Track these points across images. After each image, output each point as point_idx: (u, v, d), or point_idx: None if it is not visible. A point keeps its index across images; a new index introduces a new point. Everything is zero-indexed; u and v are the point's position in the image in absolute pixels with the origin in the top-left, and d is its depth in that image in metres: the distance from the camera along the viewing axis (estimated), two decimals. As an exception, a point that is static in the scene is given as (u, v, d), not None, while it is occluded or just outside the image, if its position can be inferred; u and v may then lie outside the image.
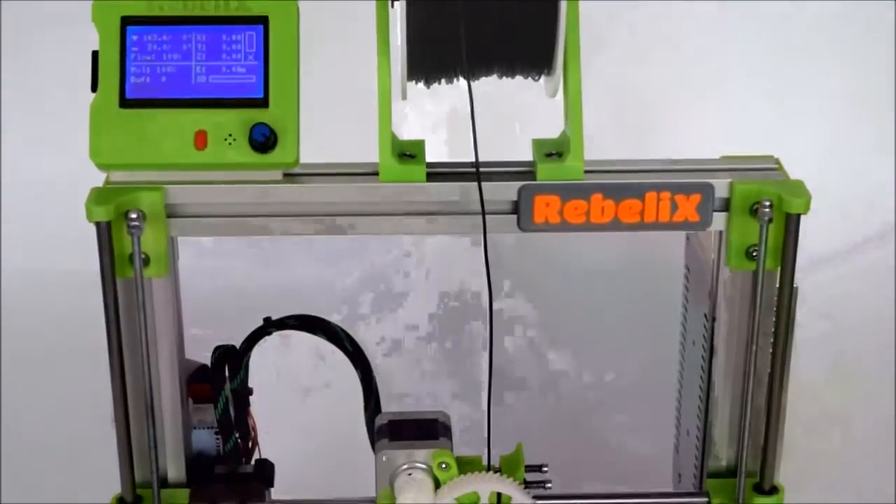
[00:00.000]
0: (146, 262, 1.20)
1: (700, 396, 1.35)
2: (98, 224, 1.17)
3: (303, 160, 1.20)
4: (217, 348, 1.32)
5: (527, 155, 1.23)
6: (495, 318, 1.24)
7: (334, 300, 2.05)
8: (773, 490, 1.30)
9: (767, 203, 1.19)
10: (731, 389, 1.30)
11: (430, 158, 1.22)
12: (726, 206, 1.22)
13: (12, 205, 2.15)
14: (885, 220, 2.17)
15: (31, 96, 2.18)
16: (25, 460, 1.87)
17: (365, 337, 1.38)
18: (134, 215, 1.17)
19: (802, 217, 1.20)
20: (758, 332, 1.24)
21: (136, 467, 1.27)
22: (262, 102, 1.18)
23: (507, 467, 1.26)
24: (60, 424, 1.92)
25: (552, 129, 1.24)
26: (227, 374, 1.33)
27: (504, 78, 1.22)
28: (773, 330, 1.26)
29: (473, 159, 1.18)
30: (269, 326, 1.33)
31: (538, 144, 1.23)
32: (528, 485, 1.25)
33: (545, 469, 1.28)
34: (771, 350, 1.26)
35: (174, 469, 1.30)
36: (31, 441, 1.90)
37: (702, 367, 1.34)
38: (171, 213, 1.20)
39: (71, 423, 1.91)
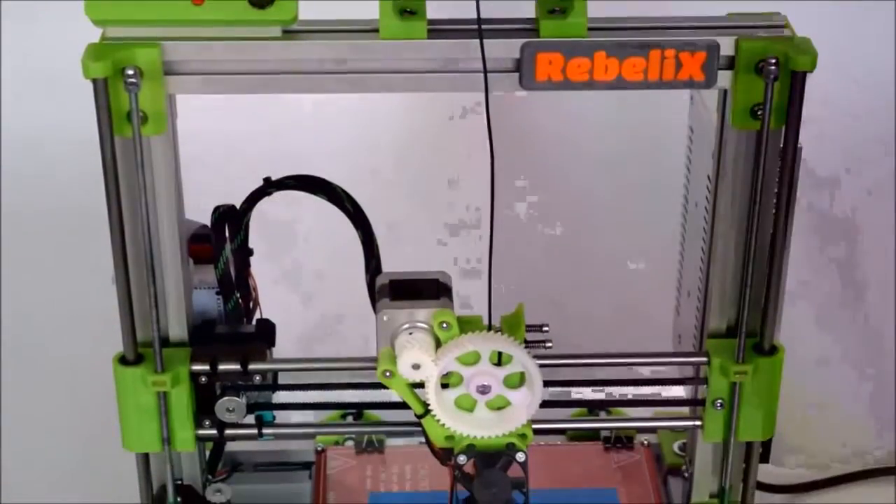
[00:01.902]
0: (144, 119, 1.19)
1: (701, 258, 1.35)
2: (95, 81, 1.16)
3: (301, 17, 1.18)
4: (217, 208, 1.32)
5: (530, 12, 1.21)
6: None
7: (334, 161, 2.03)
8: (773, 350, 1.30)
9: (773, 61, 1.17)
10: (733, 250, 1.30)
11: (430, 15, 1.20)
12: (731, 64, 1.20)
13: (11, 70, 2.13)
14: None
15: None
16: (26, 325, 1.87)
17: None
18: (131, 72, 1.15)
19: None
20: (761, 192, 1.24)
21: (138, 326, 1.27)
22: (261, -44, 1.16)
23: (507, 327, 1.26)
24: (61, 289, 1.93)
25: (555, -16, 1.22)
26: (227, 234, 1.33)
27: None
28: (775, 190, 1.25)
29: (475, 16, 1.16)
30: (269, 187, 1.32)
31: (541, 1, 1.21)
32: (528, 344, 1.25)
33: (546, 329, 1.28)
34: (773, 210, 1.25)
35: (175, 328, 1.31)
36: (33, 303, 1.91)
37: (704, 229, 1.34)
38: (169, 70, 1.19)
39: (72, 286, 1.92)
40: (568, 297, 1.91)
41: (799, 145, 1.23)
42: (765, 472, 1.44)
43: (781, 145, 1.22)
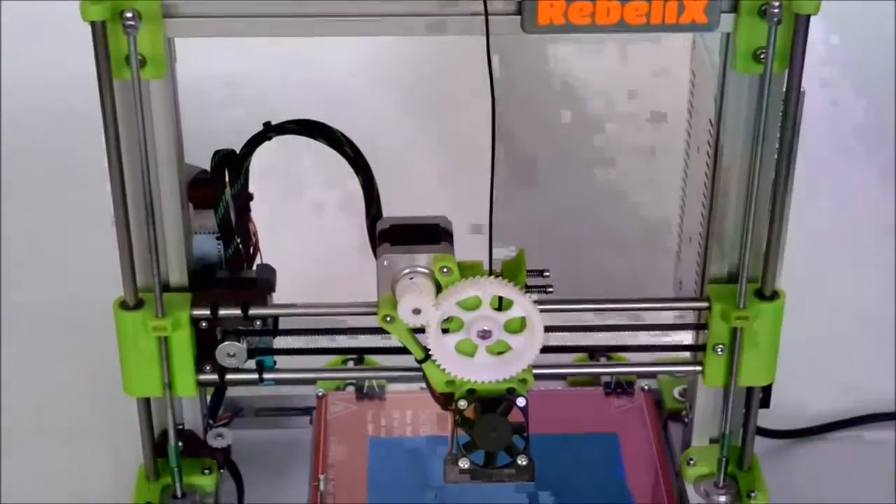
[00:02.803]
0: (143, 63, 1.18)
1: (703, 203, 1.35)
2: (93, 24, 1.15)
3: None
4: (216, 153, 1.31)
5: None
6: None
7: (334, 106, 2.03)
8: (775, 295, 1.30)
9: (777, 3, 1.16)
10: (735, 195, 1.29)
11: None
12: (734, 6, 1.19)
13: (11, 14, 2.13)
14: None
15: None
16: (25, 270, 1.87)
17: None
18: (129, 14, 1.14)
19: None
20: (763, 137, 1.23)
21: (138, 271, 1.27)
22: None
23: (508, 272, 1.25)
24: (61, 234, 1.93)
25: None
26: (227, 179, 1.32)
27: None
28: (778, 135, 1.24)
29: (476, -42, 1.16)
30: (269, 131, 1.31)
31: (543, -57, 1.20)
32: (529, 289, 1.25)
33: (547, 274, 1.28)
34: (776, 155, 1.25)
35: (176, 273, 1.31)
36: (31, 251, 1.91)
37: (706, 174, 1.33)
38: (168, 12, 1.18)
39: (72, 234, 1.92)
40: (569, 242, 1.91)
41: (802, 89, 1.22)
42: (765, 417, 1.44)
43: (784, 89, 1.22)
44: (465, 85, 1.96)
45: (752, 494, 1.38)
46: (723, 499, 1.39)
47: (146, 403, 1.34)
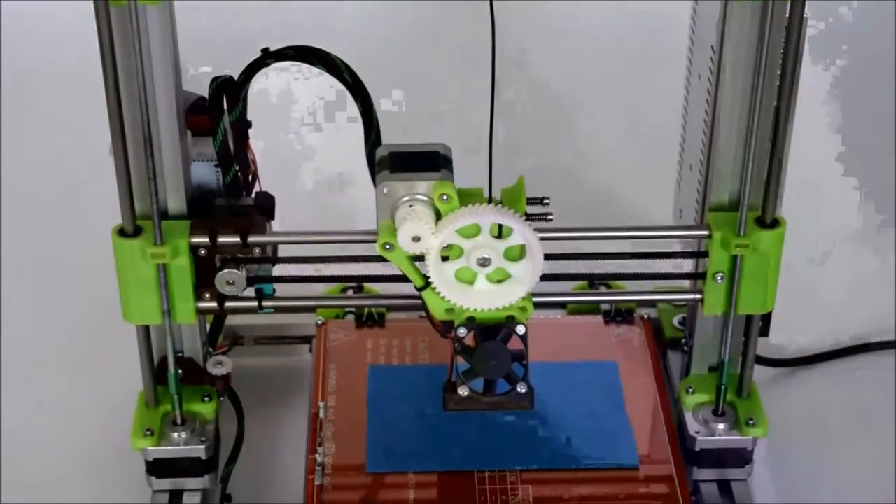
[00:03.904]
0: (139, -12, 1.17)
1: (704, 131, 1.34)
2: (89, -52, 1.14)
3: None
4: (214, 79, 1.30)
5: None
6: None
7: (333, 35, 2.02)
8: (775, 223, 1.30)
9: (780, -72, 1.15)
10: (736, 122, 1.29)
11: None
12: (738, -69, 1.18)
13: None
14: None
15: None
16: (23, 200, 1.87)
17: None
18: (125, -62, 1.13)
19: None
20: (765, 64, 1.22)
21: (136, 199, 1.27)
22: None
23: (508, 200, 1.25)
24: (60, 161, 1.92)
25: None
26: (225, 106, 1.31)
27: None
28: (781, 62, 1.23)
29: None
30: (267, 57, 1.30)
31: None
32: (529, 217, 1.25)
33: (547, 202, 1.27)
34: (778, 82, 1.24)
35: (174, 201, 1.30)
36: (32, 180, 1.91)
37: (707, 101, 1.32)
38: (164, -64, 1.17)
39: (70, 160, 1.91)
40: (569, 170, 1.91)
41: (805, 15, 1.21)
42: (764, 346, 1.44)
43: (787, 16, 1.21)
44: (464, 11, 1.95)
45: (751, 422, 1.39)
46: (721, 426, 1.40)
47: (145, 331, 1.34)
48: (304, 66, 1.31)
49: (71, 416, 1.56)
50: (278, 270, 1.35)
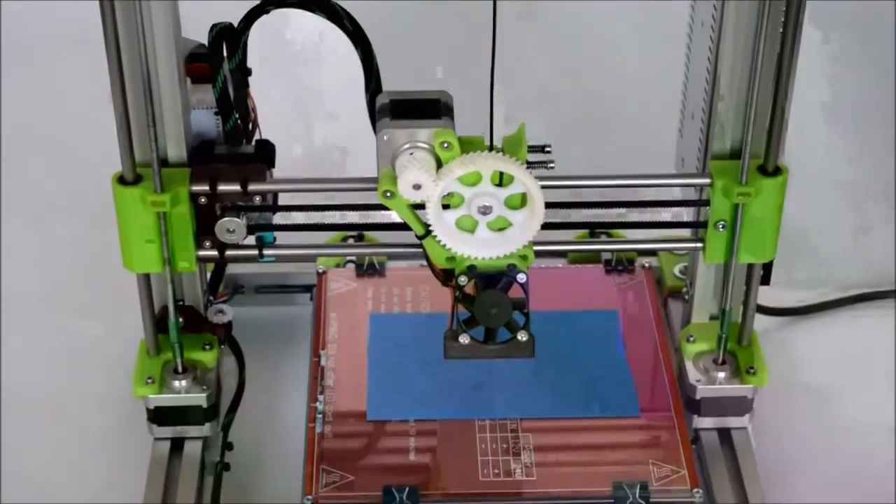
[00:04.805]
0: (138, -67, 1.16)
1: (706, 78, 1.33)
2: None
3: None
4: (214, 26, 1.30)
5: None
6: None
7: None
8: (777, 171, 1.29)
9: None
10: (739, 71, 1.28)
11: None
12: None
13: None
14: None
15: None
16: (23, 147, 1.87)
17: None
18: None
19: None
20: (768, 10, 1.21)
21: (136, 147, 1.26)
22: None
23: (509, 147, 1.24)
24: (60, 109, 1.92)
25: None
26: (224, 53, 1.31)
27: None
28: (784, 9, 1.22)
29: None
30: (267, 4, 1.30)
31: None
32: (530, 165, 1.24)
33: (548, 149, 1.26)
34: (781, 30, 1.23)
35: (174, 149, 1.30)
36: (30, 127, 1.90)
37: (710, 49, 1.32)
38: None
39: (70, 107, 1.91)
40: (571, 117, 1.90)
41: (808, -39, 1.20)
42: (765, 295, 1.44)
43: (791, -39, 1.20)
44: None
45: (752, 370, 1.39)
46: (722, 375, 1.40)
47: (146, 279, 1.34)
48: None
49: (72, 364, 1.56)
50: (279, 219, 1.35)
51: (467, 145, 1.23)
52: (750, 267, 1.36)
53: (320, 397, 1.39)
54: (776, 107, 1.26)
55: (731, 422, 1.42)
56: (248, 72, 1.34)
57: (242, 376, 1.45)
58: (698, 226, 1.36)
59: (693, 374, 1.41)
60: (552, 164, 1.26)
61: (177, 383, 1.38)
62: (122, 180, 1.27)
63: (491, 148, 1.24)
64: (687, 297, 1.48)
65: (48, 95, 1.94)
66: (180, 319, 1.36)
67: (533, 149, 1.26)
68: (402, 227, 1.28)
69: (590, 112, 1.91)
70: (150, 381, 1.37)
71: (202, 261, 1.33)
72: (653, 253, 1.57)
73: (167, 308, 1.36)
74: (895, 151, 1.86)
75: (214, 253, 1.32)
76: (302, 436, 1.38)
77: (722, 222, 1.31)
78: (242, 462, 1.43)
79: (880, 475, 1.45)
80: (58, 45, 2.00)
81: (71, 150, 1.83)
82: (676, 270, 1.56)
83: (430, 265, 1.29)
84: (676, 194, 1.43)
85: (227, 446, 1.41)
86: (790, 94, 1.27)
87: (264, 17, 1.31)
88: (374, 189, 1.25)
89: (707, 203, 1.32)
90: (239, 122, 1.32)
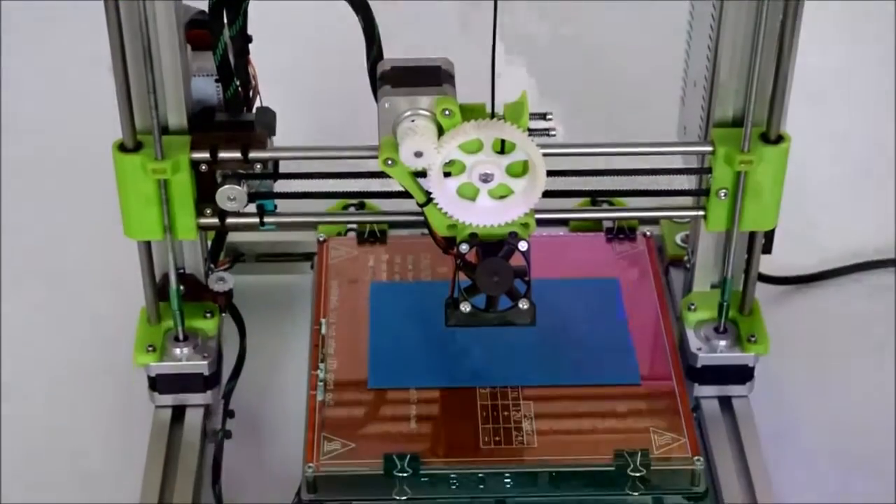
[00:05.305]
0: None
1: (709, 46, 1.33)
2: None
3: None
4: (214, -7, 1.29)
5: None
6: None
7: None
8: (780, 139, 1.29)
9: None
10: (741, 38, 1.28)
11: None
12: None
13: None
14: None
15: None
16: (25, 116, 1.86)
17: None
18: None
19: None
20: (771, -23, 1.21)
21: (136, 114, 1.26)
22: None
23: (510, 115, 1.24)
24: (59, 78, 1.91)
25: None
26: (225, 20, 1.30)
27: None
28: (787, -25, 1.22)
29: None
30: (268, -29, 1.29)
31: None
32: (532, 132, 1.24)
33: (550, 117, 1.26)
34: (784, -4, 1.23)
35: (175, 116, 1.29)
36: (31, 91, 1.90)
37: (712, 16, 1.31)
38: None
39: (70, 74, 1.90)
40: (573, 86, 1.89)
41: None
42: (767, 263, 1.44)
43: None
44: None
45: (753, 339, 1.39)
46: (723, 343, 1.40)
47: (147, 247, 1.34)
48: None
49: (72, 331, 1.56)
50: (280, 187, 1.34)
51: (469, 113, 1.23)
52: (751, 235, 1.36)
53: (321, 365, 1.39)
54: (779, 74, 1.25)
55: (732, 390, 1.42)
56: (249, 39, 1.33)
57: (243, 344, 1.45)
58: (700, 194, 1.36)
59: (694, 343, 1.41)
60: (554, 132, 1.25)
61: (178, 351, 1.38)
62: (122, 148, 1.27)
63: (493, 115, 1.24)
64: (688, 265, 1.48)
65: (48, 62, 1.93)
66: (181, 287, 1.36)
67: (535, 116, 1.26)
68: (404, 194, 1.27)
69: (591, 80, 1.91)
70: (150, 349, 1.37)
71: (203, 228, 1.33)
72: (654, 221, 1.57)
73: (168, 276, 1.36)
74: (895, 118, 1.86)
75: (215, 221, 1.32)
76: (303, 404, 1.38)
77: (724, 190, 1.31)
78: (244, 430, 1.43)
79: (880, 443, 1.45)
80: (57, 11, 1.99)
81: (71, 118, 1.83)
82: (678, 239, 1.56)
83: (432, 233, 1.29)
84: (679, 162, 1.43)
85: (229, 414, 1.41)
86: (793, 61, 1.26)
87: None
88: (376, 157, 1.24)
89: (709, 171, 1.31)
90: (239, 89, 1.32)
